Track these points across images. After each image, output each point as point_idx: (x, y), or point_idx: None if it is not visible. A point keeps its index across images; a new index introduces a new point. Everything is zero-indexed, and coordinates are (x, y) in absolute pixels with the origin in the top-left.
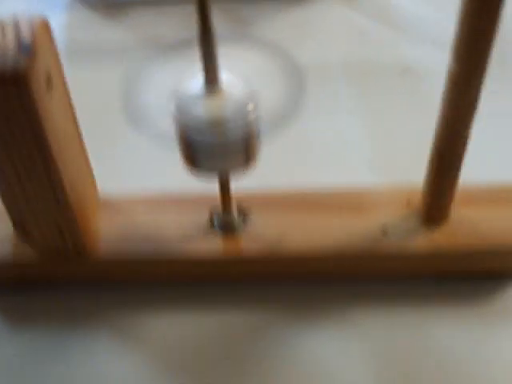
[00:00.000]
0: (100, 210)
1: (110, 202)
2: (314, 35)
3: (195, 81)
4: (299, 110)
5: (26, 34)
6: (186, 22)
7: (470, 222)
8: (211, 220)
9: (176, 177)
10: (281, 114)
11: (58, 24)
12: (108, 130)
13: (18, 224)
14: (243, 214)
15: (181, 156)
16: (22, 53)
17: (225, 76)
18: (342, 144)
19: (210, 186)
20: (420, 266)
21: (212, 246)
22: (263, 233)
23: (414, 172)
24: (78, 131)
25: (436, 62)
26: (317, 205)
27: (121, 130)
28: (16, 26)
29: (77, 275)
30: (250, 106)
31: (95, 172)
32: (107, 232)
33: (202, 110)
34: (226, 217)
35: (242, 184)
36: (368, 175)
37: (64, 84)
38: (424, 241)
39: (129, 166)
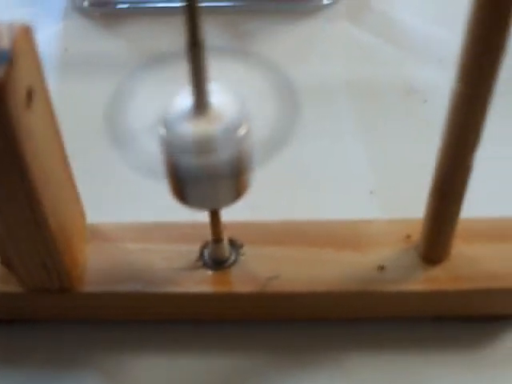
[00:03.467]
0: (87, 241)
1: (98, 231)
2: (315, 52)
3: (184, 98)
4: (293, 135)
5: (4, 39)
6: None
7: (472, 260)
8: (201, 252)
9: (166, 206)
10: (274, 139)
11: (53, 33)
12: (96, 150)
13: (2, 256)
14: (235, 246)
15: (168, 184)
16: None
17: (216, 94)
18: (341, 171)
19: (201, 217)
20: (418, 305)
21: (201, 280)
22: (255, 267)
23: (416, 204)
24: (63, 152)
25: (442, 82)
26: (312, 238)
27: (111, 151)
28: None
29: (62, 311)
30: (242, 129)
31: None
32: (94, 265)
33: (190, 131)
34: (217, 249)
35: (234, 215)
36: (368, 205)
37: (47, 99)
38: (423, 278)
39: (117, 192)
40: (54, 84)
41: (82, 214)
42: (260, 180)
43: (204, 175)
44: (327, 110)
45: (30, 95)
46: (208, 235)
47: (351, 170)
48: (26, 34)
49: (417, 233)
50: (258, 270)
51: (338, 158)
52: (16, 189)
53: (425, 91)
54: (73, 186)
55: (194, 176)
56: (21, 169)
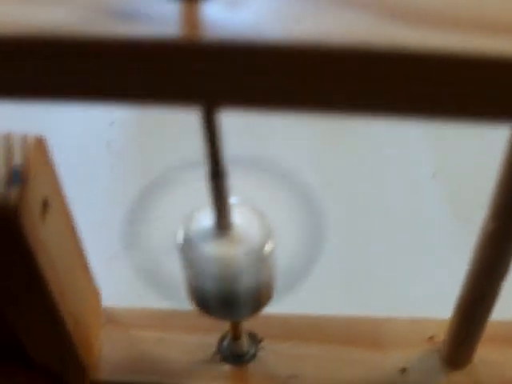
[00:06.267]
0: (103, 326)
1: (114, 316)
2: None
3: (206, 216)
4: (316, 261)
5: (17, 155)
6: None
7: (495, 366)
8: (220, 345)
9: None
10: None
11: None
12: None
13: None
14: (254, 341)
15: (189, 298)
16: (13, 183)
17: (239, 212)
18: None
19: None
20: None
21: (218, 375)
22: (274, 364)
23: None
24: (80, 250)
25: None
26: (334, 335)
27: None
28: (7, 148)
29: None
30: (264, 250)
31: (102, 284)
32: (110, 353)
33: (212, 254)
34: (235, 345)
35: None
36: None
37: (63, 202)
38: (444, 383)
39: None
40: None
41: (99, 300)
42: None
43: (226, 296)
44: None
45: (45, 206)
46: (227, 325)
47: None
48: (39, 146)
49: (440, 334)
50: (277, 367)
51: None
52: (34, 296)
53: None
54: (89, 279)
55: (215, 297)
56: (37, 279)
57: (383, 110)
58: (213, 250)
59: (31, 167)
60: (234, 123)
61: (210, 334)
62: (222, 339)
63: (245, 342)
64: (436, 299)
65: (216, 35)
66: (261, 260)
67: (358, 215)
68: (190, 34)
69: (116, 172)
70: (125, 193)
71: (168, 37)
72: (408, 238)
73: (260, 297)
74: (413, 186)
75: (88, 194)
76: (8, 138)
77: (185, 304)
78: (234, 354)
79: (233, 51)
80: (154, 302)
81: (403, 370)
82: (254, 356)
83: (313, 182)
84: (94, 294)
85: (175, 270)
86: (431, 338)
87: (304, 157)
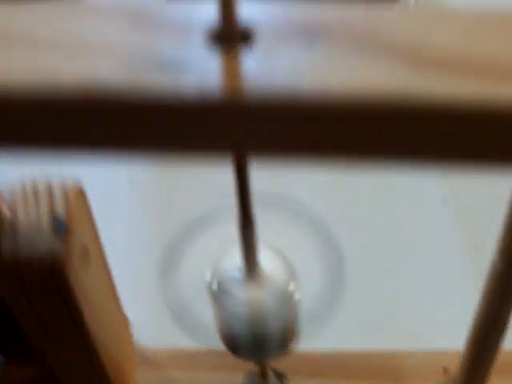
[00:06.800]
0: (137, 367)
1: (147, 356)
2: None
3: (234, 258)
4: (336, 304)
5: (60, 206)
6: None
7: None
8: None
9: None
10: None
11: None
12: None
13: None
14: (279, 378)
15: (220, 337)
16: (57, 232)
17: (265, 257)
18: None
19: None
20: None
21: None
22: None
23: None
24: (115, 295)
25: None
26: (354, 370)
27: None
28: (49, 197)
29: None
30: (291, 293)
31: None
32: None
33: (241, 297)
34: (261, 382)
35: None
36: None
37: (101, 251)
38: None
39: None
40: None
41: (132, 341)
42: None
43: (255, 338)
44: None
45: (85, 254)
46: (253, 367)
47: None
48: (79, 194)
49: (454, 366)
50: None
51: None
52: (76, 342)
53: None
54: (124, 320)
55: (244, 339)
56: (78, 322)
57: (422, 161)
58: (242, 292)
59: (73, 216)
60: None
61: (238, 372)
62: (249, 377)
63: (270, 380)
64: (450, 329)
65: (256, 91)
66: (289, 302)
67: (370, 245)
68: (233, 93)
69: (139, 210)
70: (148, 232)
71: (211, 93)
72: (419, 267)
73: (288, 338)
74: (423, 213)
75: (111, 234)
76: (49, 187)
77: (215, 343)
78: None
79: (273, 105)
80: (180, 339)
81: None
82: None
83: (324, 211)
84: (129, 335)
85: (205, 312)
86: (446, 369)
87: (314, 187)
